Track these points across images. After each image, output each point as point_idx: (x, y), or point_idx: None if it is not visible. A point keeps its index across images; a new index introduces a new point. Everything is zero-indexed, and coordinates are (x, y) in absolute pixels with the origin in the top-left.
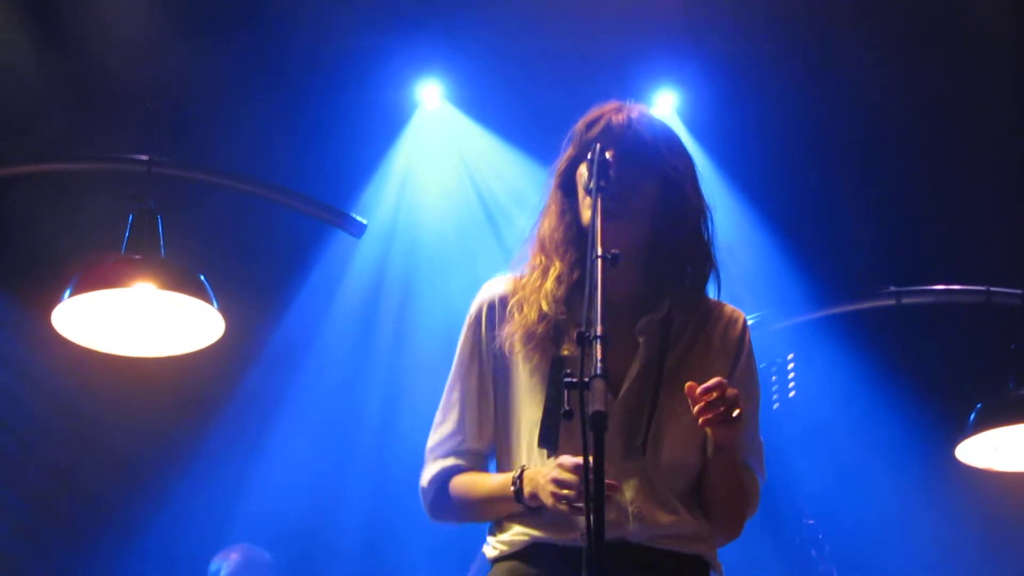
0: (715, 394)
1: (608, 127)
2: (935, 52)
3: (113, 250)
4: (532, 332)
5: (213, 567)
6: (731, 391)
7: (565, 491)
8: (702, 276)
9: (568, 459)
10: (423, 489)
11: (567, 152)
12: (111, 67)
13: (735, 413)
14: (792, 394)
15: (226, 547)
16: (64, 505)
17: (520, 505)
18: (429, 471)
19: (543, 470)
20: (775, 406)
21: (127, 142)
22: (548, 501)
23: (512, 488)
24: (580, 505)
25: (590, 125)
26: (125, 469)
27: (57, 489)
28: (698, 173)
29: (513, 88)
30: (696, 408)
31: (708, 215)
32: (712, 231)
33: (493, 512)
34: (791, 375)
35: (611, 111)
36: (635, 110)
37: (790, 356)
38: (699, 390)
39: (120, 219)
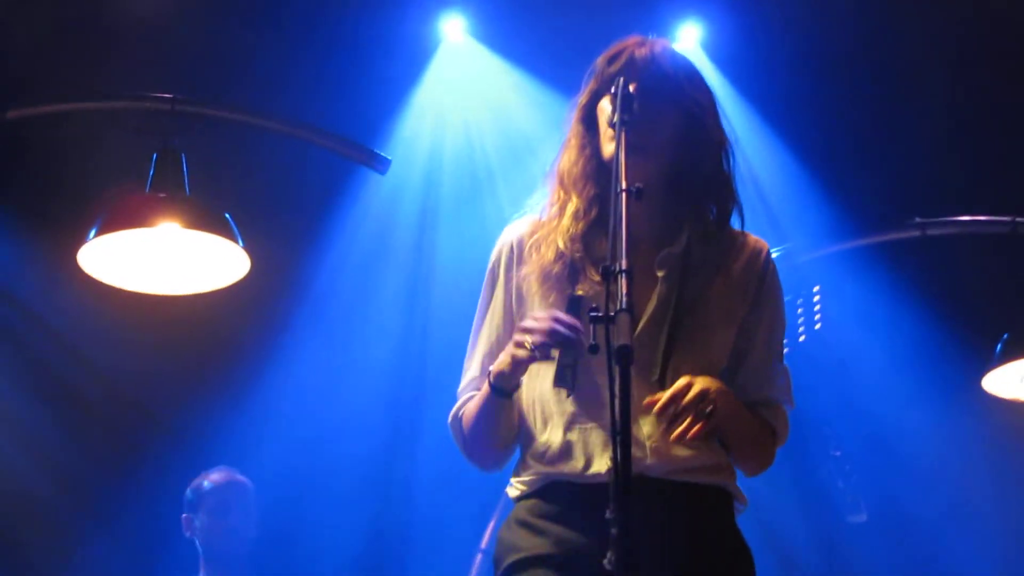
0: (680, 403)
1: (631, 61)
2: None
3: (138, 189)
4: (548, 272)
5: (193, 485)
6: (690, 395)
7: (527, 336)
8: (725, 211)
9: (537, 311)
10: (450, 425)
11: (588, 86)
12: (134, 5)
13: (708, 410)
14: (818, 326)
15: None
16: (91, 439)
17: (494, 385)
18: (452, 410)
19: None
20: (801, 338)
21: (151, 81)
22: (506, 358)
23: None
24: (538, 350)
25: (612, 59)
26: (146, 407)
27: (84, 422)
28: (720, 108)
29: (536, 21)
30: (665, 425)
31: (730, 149)
32: (734, 165)
33: (490, 417)
34: (817, 307)
35: (633, 45)
36: (658, 44)
37: (816, 288)
38: (656, 408)
39: (145, 158)
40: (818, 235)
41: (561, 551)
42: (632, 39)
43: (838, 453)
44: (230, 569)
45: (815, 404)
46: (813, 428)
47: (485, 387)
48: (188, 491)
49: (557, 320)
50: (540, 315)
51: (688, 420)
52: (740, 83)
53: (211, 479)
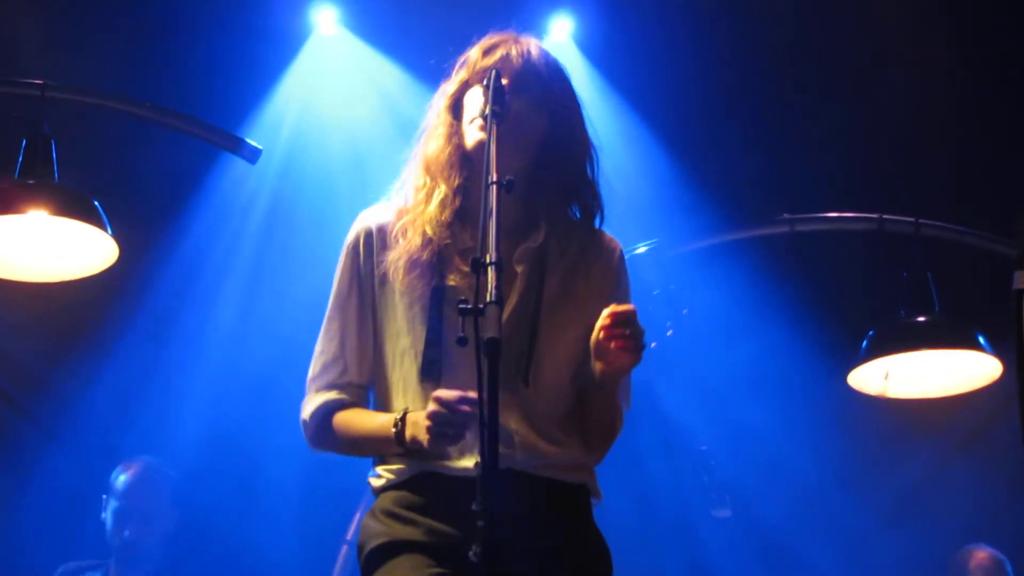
0: (624, 318)
1: (506, 56)
2: None
3: (6, 176)
4: (416, 259)
5: (113, 477)
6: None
7: (443, 427)
8: (589, 212)
9: (444, 393)
10: (304, 421)
11: (459, 76)
12: None
13: (638, 337)
14: (686, 316)
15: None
16: None
17: (402, 448)
18: (311, 404)
19: (424, 412)
20: (669, 332)
21: (21, 66)
22: (425, 439)
23: (393, 430)
24: (460, 439)
25: (487, 52)
26: (15, 398)
27: None
28: (586, 115)
29: (409, 13)
30: (594, 338)
31: (594, 155)
32: (597, 168)
33: (374, 450)
34: (685, 304)
35: (509, 40)
36: (532, 43)
37: (683, 283)
38: (614, 312)
39: (13, 144)
40: (687, 230)
41: (430, 540)
42: (507, 34)
43: (704, 447)
44: (138, 560)
45: (681, 399)
46: (679, 422)
47: (381, 429)
48: (112, 476)
49: (468, 403)
50: (451, 398)
51: (632, 342)
52: (611, 77)
53: (127, 468)
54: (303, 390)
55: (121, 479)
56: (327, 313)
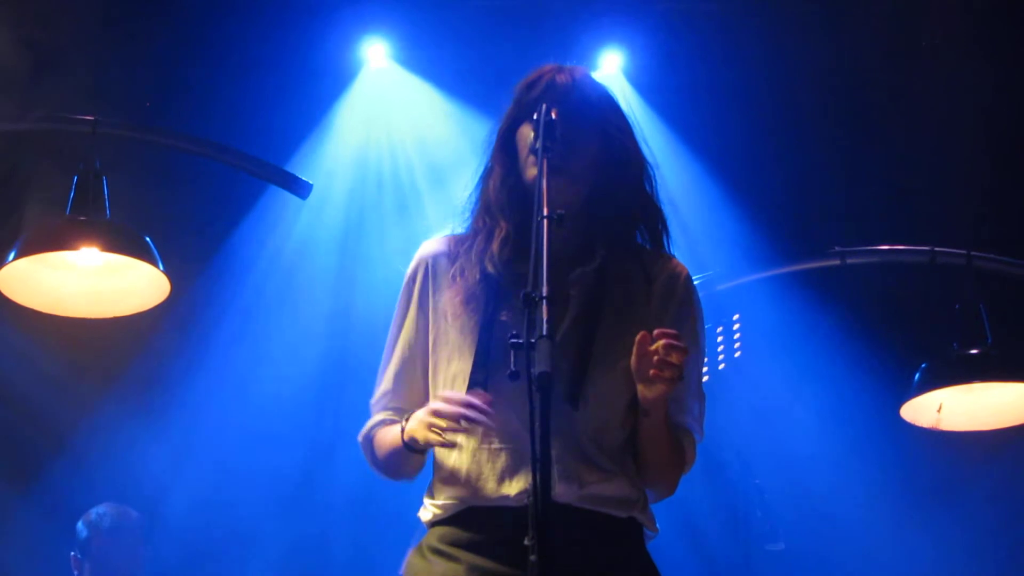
0: (661, 342)
1: (550, 87)
2: (878, 11)
3: (58, 211)
4: (473, 293)
5: (79, 525)
6: (679, 344)
7: (437, 419)
8: (655, 232)
9: (449, 392)
10: (360, 444)
11: (509, 113)
12: (58, 27)
13: (674, 359)
14: (738, 354)
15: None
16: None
17: (413, 453)
18: (364, 427)
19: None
20: (721, 366)
21: (72, 103)
22: (421, 434)
23: (399, 430)
24: (451, 437)
25: (531, 86)
26: (57, 436)
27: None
28: (638, 131)
29: (460, 47)
30: (635, 360)
31: (651, 171)
32: (656, 186)
33: (400, 463)
34: (737, 335)
35: (552, 71)
36: (576, 71)
37: (736, 316)
38: (647, 337)
39: (65, 180)
40: (739, 263)
41: None
42: (549, 66)
43: (758, 481)
44: None
45: (734, 432)
46: (733, 455)
47: (397, 435)
48: (78, 527)
49: (468, 405)
50: (452, 397)
51: (670, 371)
52: (662, 110)
53: (96, 523)
54: (358, 421)
55: (85, 535)
56: (387, 341)
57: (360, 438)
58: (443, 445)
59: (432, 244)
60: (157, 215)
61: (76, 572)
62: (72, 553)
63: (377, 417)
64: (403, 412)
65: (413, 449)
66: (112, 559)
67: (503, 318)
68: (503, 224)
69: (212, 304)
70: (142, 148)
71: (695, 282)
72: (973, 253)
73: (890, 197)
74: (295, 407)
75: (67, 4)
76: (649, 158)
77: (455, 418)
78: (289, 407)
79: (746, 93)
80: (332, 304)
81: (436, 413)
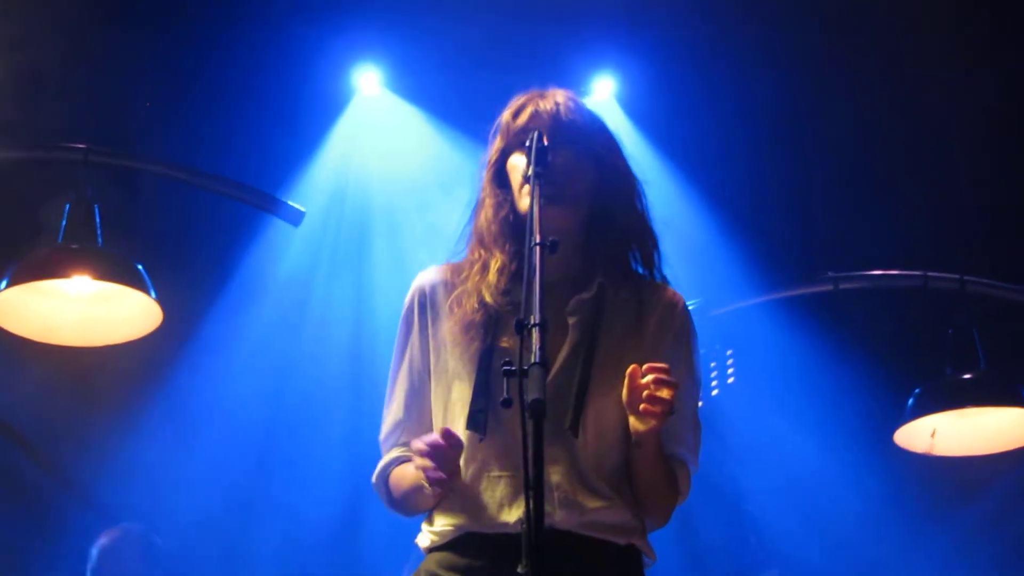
0: (651, 377)
1: (536, 113)
2: (869, 40)
3: (50, 240)
4: (471, 322)
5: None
6: (670, 377)
7: (421, 467)
8: (647, 252)
9: (425, 437)
10: (374, 484)
11: (496, 144)
12: (49, 56)
13: (664, 394)
14: (732, 380)
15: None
16: None
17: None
18: (378, 466)
19: None
20: (714, 392)
21: (63, 131)
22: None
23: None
24: (438, 478)
25: (516, 114)
26: (49, 462)
27: None
28: (625, 150)
29: (452, 74)
30: (626, 393)
31: (641, 188)
32: (647, 204)
33: (418, 502)
34: (730, 361)
35: (535, 98)
36: (559, 94)
37: (729, 352)
38: (639, 370)
39: (57, 208)
40: (732, 288)
41: None
42: (532, 92)
43: (751, 508)
44: None
45: (729, 458)
46: (727, 482)
47: (419, 476)
48: (90, 551)
49: (430, 453)
50: (419, 445)
51: (660, 406)
52: (655, 135)
53: (97, 545)
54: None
55: (94, 551)
56: (390, 374)
57: (374, 478)
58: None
59: (429, 273)
60: (149, 243)
61: None
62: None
63: (391, 455)
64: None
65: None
66: (109, 572)
67: (503, 345)
68: (498, 255)
69: (205, 332)
70: (134, 176)
71: (690, 308)
72: (966, 277)
73: (883, 222)
74: (290, 435)
75: (59, 31)
76: (638, 175)
77: (429, 469)
78: (285, 435)
79: (739, 119)
80: (326, 330)
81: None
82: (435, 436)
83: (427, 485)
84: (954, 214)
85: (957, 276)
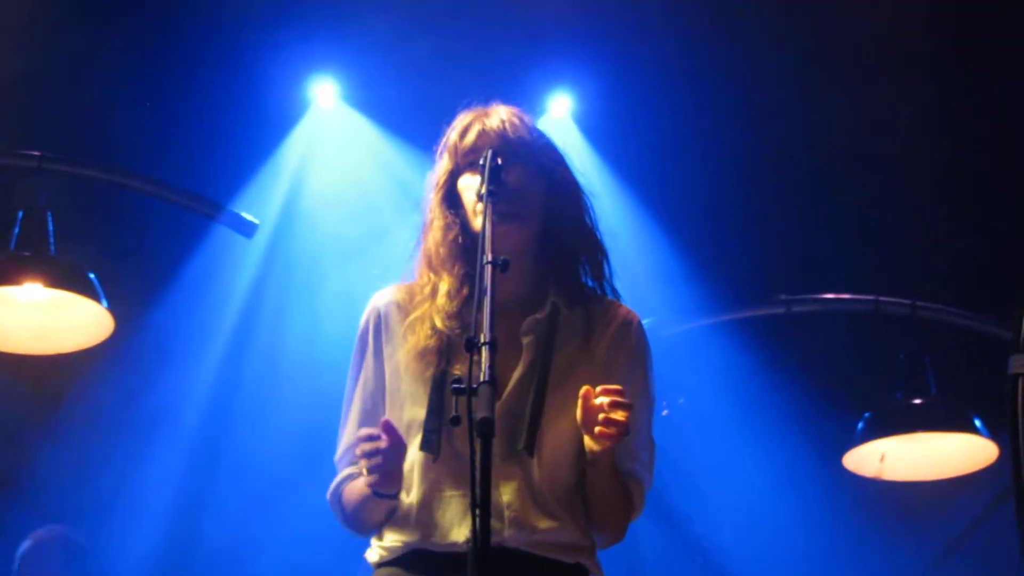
0: (605, 400)
1: (484, 132)
2: (826, 61)
3: (2, 247)
4: (425, 349)
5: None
6: (623, 401)
7: (361, 459)
8: (597, 265)
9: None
10: (329, 500)
11: (443, 164)
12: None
13: (618, 416)
14: (681, 400)
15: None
16: None
17: (383, 499)
18: (331, 485)
19: None
20: (664, 412)
21: (17, 138)
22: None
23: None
24: (372, 467)
25: (464, 133)
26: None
27: None
28: (572, 164)
29: (408, 87)
30: (580, 414)
31: (589, 203)
32: (595, 218)
33: (370, 512)
34: (680, 382)
35: (480, 116)
36: (503, 111)
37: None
38: (592, 392)
39: (9, 215)
40: (684, 309)
41: None
42: (476, 110)
43: (697, 527)
44: None
45: (677, 478)
46: (676, 500)
47: (365, 487)
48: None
49: (359, 446)
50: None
51: (615, 428)
52: (610, 154)
53: (23, 547)
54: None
55: (17, 553)
56: (345, 395)
57: (328, 496)
58: (388, 495)
59: (383, 295)
60: (102, 252)
61: None
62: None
63: (343, 473)
64: None
65: (382, 495)
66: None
67: (456, 369)
68: (447, 278)
69: (156, 342)
70: (87, 184)
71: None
72: (917, 303)
73: (834, 245)
74: (240, 442)
75: (10, 34)
76: (584, 186)
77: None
78: (233, 442)
79: (695, 139)
80: (278, 342)
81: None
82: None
83: (369, 485)
84: (909, 238)
85: (909, 301)
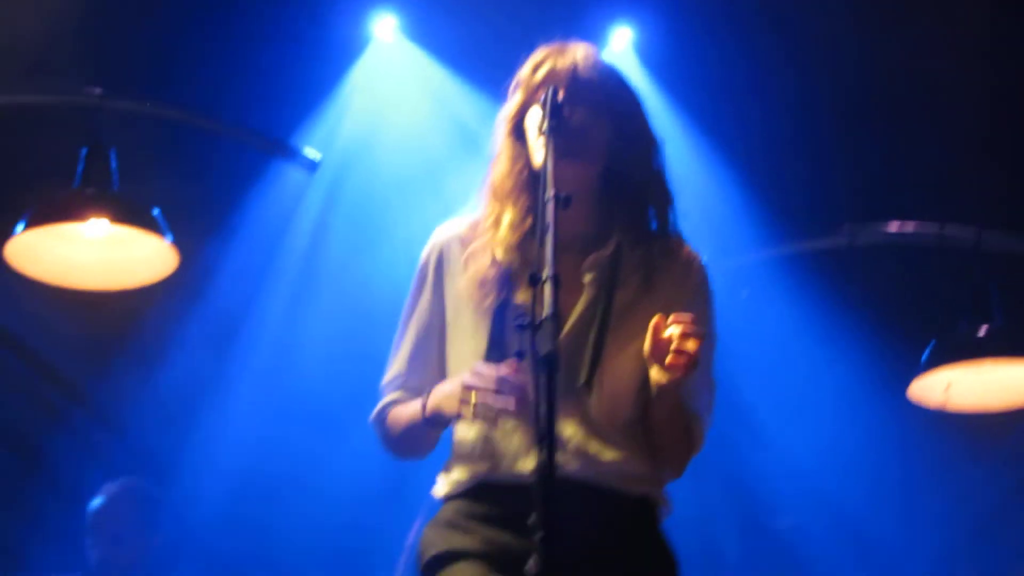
0: (676, 329)
1: (555, 69)
2: None
3: (67, 185)
4: (484, 279)
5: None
6: (696, 330)
7: (472, 393)
8: (663, 212)
9: (482, 364)
10: (372, 423)
11: (515, 98)
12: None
13: (690, 346)
14: (744, 293)
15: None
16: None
17: (432, 428)
18: (376, 407)
19: (453, 379)
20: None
21: (80, 76)
22: (451, 406)
23: (420, 404)
24: (487, 411)
25: (536, 68)
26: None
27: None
28: (645, 108)
29: (469, 22)
30: (649, 345)
31: (659, 148)
32: (664, 163)
33: (417, 439)
34: (743, 314)
35: (555, 53)
36: (579, 49)
37: (744, 293)
38: (662, 322)
39: (74, 154)
40: (747, 241)
41: (489, 549)
42: (553, 46)
43: (764, 459)
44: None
45: (740, 411)
46: (745, 438)
47: (417, 411)
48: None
49: (503, 381)
50: (487, 372)
51: (685, 359)
52: (671, 87)
53: (97, 499)
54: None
55: (93, 502)
56: (400, 322)
57: (372, 418)
58: (474, 418)
59: (445, 229)
60: (164, 189)
61: (85, 542)
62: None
63: (389, 397)
64: (417, 392)
65: (433, 424)
66: (119, 529)
67: (518, 300)
68: (511, 209)
69: (218, 277)
70: (149, 122)
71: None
72: (983, 230)
73: (898, 175)
74: (303, 381)
75: None
76: (657, 135)
77: (489, 396)
78: (296, 381)
79: (758, 68)
80: (341, 280)
81: (469, 387)
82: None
83: (465, 410)
84: (974, 166)
85: (974, 229)
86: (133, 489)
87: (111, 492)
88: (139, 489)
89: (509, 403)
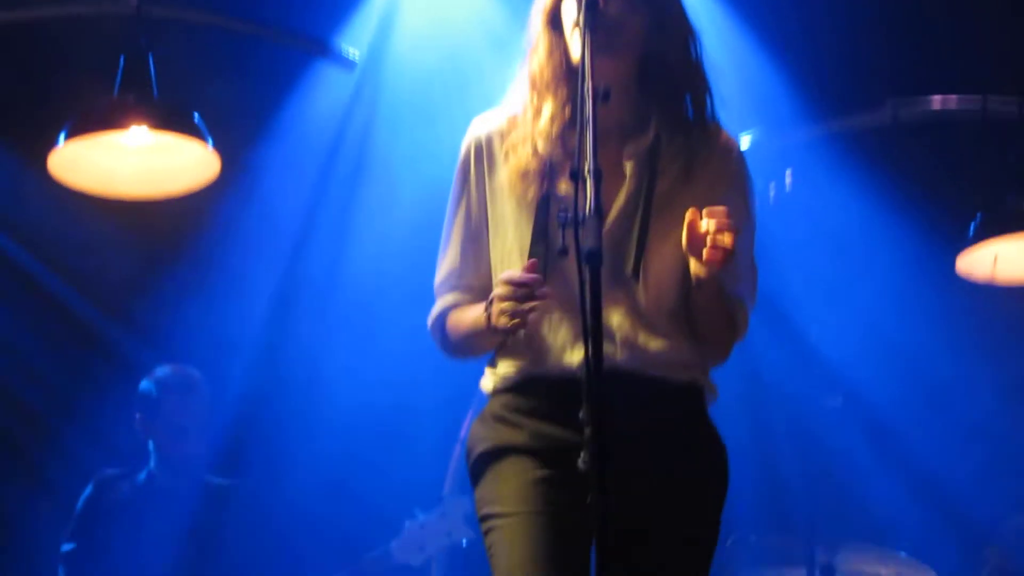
0: (712, 222)
1: None
2: None
3: (106, 93)
4: (526, 171)
5: (146, 385)
6: (730, 222)
7: (504, 305)
8: (700, 101)
9: (506, 273)
10: (430, 329)
11: None
12: None
13: (726, 240)
14: (788, 173)
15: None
16: (61, 339)
17: (495, 334)
18: (433, 311)
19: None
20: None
21: None
22: (494, 321)
23: (484, 314)
24: (517, 320)
25: None
26: (114, 308)
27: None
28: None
29: None
30: (686, 238)
31: (697, 39)
32: (702, 52)
33: (480, 345)
34: (787, 190)
35: None
36: None
37: (788, 171)
38: (698, 216)
39: (111, 62)
40: (786, 119)
41: (537, 443)
42: None
43: (813, 336)
44: (185, 470)
45: (789, 284)
46: (788, 309)
47: (480, 319)
48: (142, 389)
49: (521, 289)
50: (511, 279)
51: (721, 252)
52: None
53: (166, 382)
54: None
55: (155, 394)
56: (445, 221)
57: (430, 322)
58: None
59: (483, 122)
60: (204, 94)
61: (144, 434)
62: (137, 415)
63: (447, 299)
64: (472, 290)
65: (494, 330)
66: (183, 419)
67: (560, 191)
68: (550, 100)
69: (260, 181)
70: (186, 27)
71: (743, 141)
72: None
73: (941, 46)
74: (344, 287)
75: None
76: (695, 25)
77: (516, 308)
78: (338, 287)
79: None
80: (386, 182)
81: (501, 298)
82: (512, 273)
83: (502, 324)
84: (1015, 35)
85: (1017, 99)
86: (195, 376)
87: (176, 375)
88: (199, 377)
89: (525, 312)
